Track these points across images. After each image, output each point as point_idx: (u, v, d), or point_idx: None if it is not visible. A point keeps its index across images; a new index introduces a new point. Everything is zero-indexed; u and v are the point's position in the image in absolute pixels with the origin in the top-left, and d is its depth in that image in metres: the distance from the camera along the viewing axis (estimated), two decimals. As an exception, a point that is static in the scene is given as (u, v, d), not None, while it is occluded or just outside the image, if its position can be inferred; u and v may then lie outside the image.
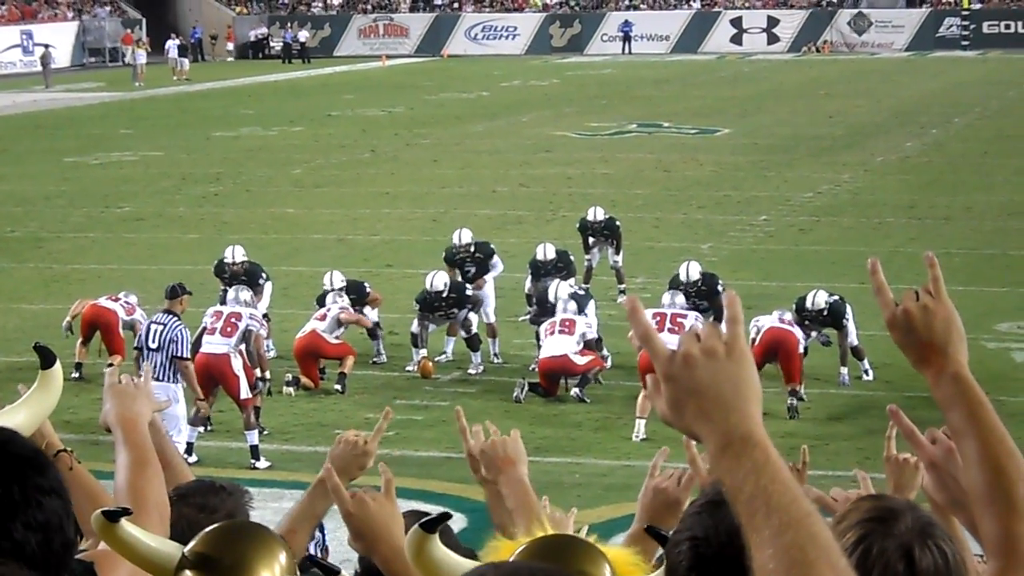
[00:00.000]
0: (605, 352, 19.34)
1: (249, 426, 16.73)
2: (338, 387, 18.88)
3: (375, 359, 20.15)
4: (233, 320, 17.56)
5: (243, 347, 17.53)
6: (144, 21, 77.30)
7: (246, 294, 18.48)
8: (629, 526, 4.77)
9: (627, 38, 76.01)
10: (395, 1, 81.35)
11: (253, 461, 16.42)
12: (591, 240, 23.43)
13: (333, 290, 20.02)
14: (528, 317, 20.85)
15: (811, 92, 54.33)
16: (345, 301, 19.84)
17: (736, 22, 76.30)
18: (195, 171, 37.63)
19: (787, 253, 26.79)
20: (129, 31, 74.70)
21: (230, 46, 78.85)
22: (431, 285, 19.74)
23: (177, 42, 69.19)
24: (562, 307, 19.19)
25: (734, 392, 2.44)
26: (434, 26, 78.68)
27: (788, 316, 18.50)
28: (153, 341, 16.49)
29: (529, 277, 21.64)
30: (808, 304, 18.80)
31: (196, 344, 17.17)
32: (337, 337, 19.39)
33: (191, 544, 3.25)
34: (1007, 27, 73.21)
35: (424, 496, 14.21)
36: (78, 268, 26.44)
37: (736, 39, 75.56)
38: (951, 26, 73.49)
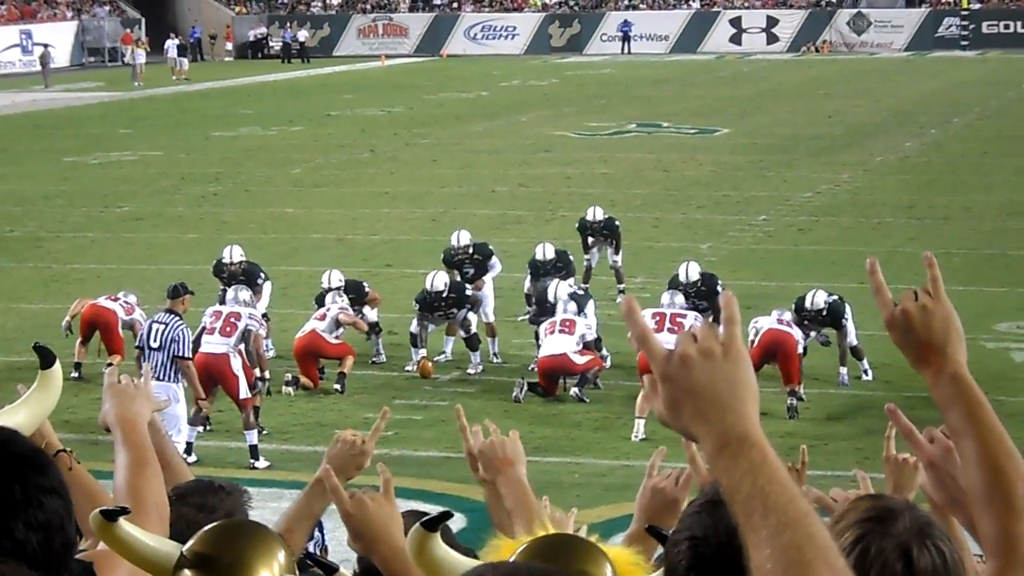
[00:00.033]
0: (604, 352, 19.33)
1: (248, 426, 16.73)
2: (337, 387, 18.88)
3: (374, 359, 20.15)
4: (232, 320, 17.56)
5: (242, 347, 17.54)
6: (143, 21, 77.29)
7: (245, 294, 18.48)
8: (628, 526, 4.77)
9: (626, 38, 75.99)
10: (394, 1, 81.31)
11: (252, 461, 16.43)
12: (590, 240, 23.42)
13: (332, 289, 20.01)
14: (527, 317, 20.85)
15: (810, 92, 54.31)
16: (344, 300, 19.83)
17: (735, 22, 76.28)
18: (194, 171, 37.61)
19: (786, 253, 26.77)
20: (128, 31, 74.67)
21: (229, 46, 78.81)
22: (431, 285, 19.72)
23: (176, 42, 69.16)
24: (562, 307, 19.19)
25: (731, 392, 2.44)
26: (433, 26, 78.66)
27: (787, 316, 18.48)
28: (155, 340, 16.48)
29: (528, 277, 21.62)
30: (807, 304, 18.79)
31: (195, 344, 17.16)
32: (337, 337, 19.38)
33: (190, 543, 3.25)
34: (1006, 27, 73.20)
35: (423, 496, 14.19)
36: (77, 268, 26.43)
37: (735, 39, 75.54)
38: (950, 26, 73.48)
